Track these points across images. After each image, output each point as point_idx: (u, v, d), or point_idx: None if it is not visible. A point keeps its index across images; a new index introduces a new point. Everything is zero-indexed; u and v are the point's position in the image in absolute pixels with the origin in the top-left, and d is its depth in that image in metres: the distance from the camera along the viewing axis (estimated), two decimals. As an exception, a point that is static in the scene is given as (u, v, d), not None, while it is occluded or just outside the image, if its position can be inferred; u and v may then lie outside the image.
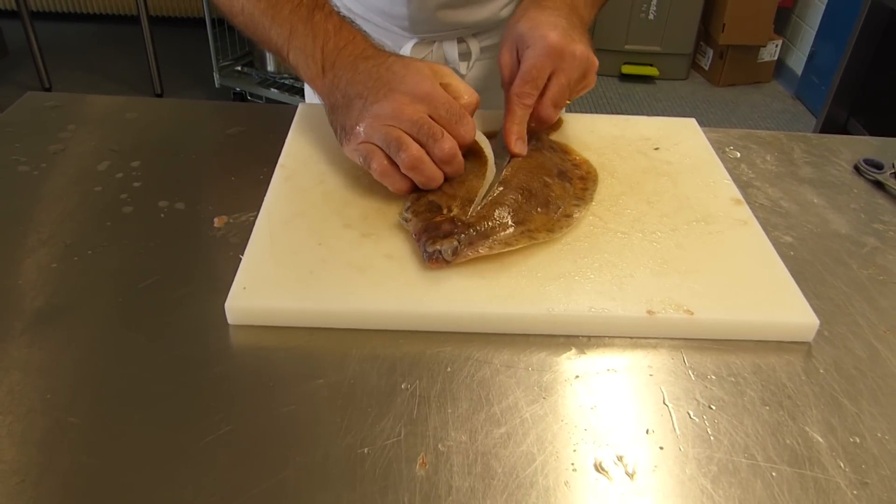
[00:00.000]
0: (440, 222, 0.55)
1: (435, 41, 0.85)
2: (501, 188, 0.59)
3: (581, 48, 0.63)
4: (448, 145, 0.57)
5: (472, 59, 0.88)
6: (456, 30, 0.85)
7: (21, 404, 0.45)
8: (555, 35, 0.62)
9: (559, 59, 0.63)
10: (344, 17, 0.65)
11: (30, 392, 0.45)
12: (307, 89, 0.95)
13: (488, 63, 0.90)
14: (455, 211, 0.57)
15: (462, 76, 0.88)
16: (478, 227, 0.55)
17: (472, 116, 0.60)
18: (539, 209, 0.59)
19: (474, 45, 0.87)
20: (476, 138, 0.60)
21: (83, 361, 0.48)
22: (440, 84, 0.59)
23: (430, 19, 0.82)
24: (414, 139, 0.57)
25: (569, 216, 0.60)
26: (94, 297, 0.53)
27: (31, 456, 0.41)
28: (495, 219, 0.56)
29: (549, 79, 0.64)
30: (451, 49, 0.86)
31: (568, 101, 0.66)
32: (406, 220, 0.58)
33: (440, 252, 0.53)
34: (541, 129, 0.69)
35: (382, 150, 0.58)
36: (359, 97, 0.59)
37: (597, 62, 0.65)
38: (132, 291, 0.54)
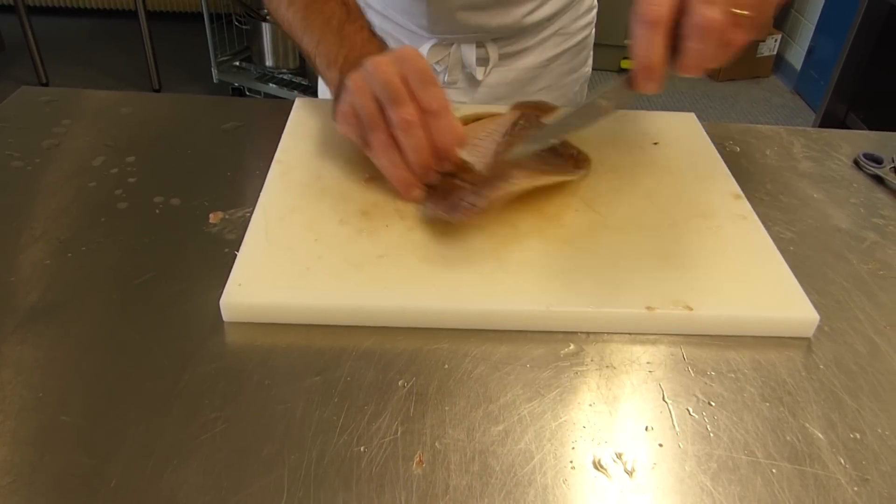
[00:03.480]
0: (450, 186, 0.58)
1: (453, 43, 0.84)
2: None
3: None
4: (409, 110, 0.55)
5: (490, 66, 0.85)
6: (476, 33, 0.83)
7: (13, 403, 0.44)
8: None
9: None
10: (375, 34, 0.66)
11: (22, 390, 0.45)
12: (320, 85, 0.95)
13: (506, 71, 0.87)
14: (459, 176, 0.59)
15: (478, 82, 0.86)
16: (487, 173, 0.58)
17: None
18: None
19: (493, 51, 0.84)
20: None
21: (76, 359, 0.47)
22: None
23: (450, 20, 0.80)
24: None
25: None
26: (88, 293, 0.53)
27: (23, 455, 0.41)
28: (499, 166, 0.59)
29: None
30: (469, 53, 0.84)
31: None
32: (425, 206, 0.59)
33: (462, 200, 0.55)
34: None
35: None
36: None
37: None
38: (127, 288, 0.53)
